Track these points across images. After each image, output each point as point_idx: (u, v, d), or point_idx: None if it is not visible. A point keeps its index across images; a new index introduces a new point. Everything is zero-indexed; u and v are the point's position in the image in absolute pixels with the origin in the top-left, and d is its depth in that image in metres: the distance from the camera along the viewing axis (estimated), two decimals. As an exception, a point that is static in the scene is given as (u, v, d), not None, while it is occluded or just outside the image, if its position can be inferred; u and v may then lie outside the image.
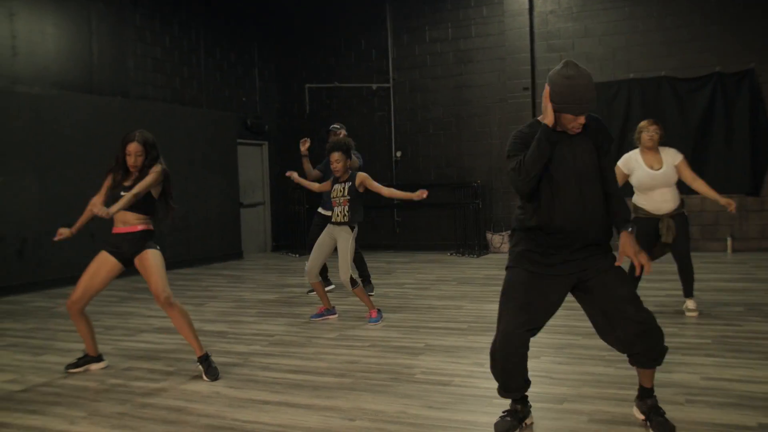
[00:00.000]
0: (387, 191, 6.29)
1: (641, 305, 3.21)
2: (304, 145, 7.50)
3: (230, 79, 12.96)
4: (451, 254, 11.99)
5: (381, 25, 13.23)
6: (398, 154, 13.09)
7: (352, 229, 6.29)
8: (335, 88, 13.47)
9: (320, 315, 6.54)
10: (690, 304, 6.14)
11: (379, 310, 6.42)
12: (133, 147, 4.62)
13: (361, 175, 6.29)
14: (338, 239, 6.28)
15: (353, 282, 6.22)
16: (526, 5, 12.00)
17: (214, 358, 4.82)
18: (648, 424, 3.41)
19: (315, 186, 6.80)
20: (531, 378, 3.47)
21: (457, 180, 12.63)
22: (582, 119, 3.17)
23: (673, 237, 5.99)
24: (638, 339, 3.20)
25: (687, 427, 3.40)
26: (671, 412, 3.52)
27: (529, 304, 3.27)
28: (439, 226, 12.78)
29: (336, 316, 6.59)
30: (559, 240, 3.27)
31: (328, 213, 6.99)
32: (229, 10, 12.93)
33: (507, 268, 3.42)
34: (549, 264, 3.29)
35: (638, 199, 6.16)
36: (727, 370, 4.38)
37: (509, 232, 11.91)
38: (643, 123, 6.18)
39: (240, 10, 13.18)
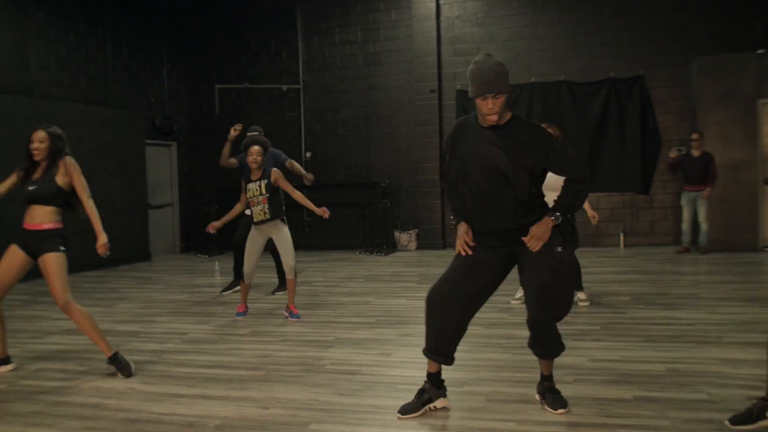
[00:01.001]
0: (296, 195, 6.45)
1: (546, 305, 3.48)
2: (235, 132, 7.52)
3: (138, 79, 12.80)
4: (360, 253, 12.25)
5: (291, 27, 13.35)
6: (308, 154, 13.25)
7: (283, 221, 6.45)
8: (245, 88, 13.51)
9: (243, 313, 6.66)
10: (581, 295, 6.59)
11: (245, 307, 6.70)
12: (36, 135, 4.65)
13: (276, 172, 6.42)
14: (273, 234, 6.43)
15: (295, 272, 6.46)
16: (434, 10, 12.39)
17: (128, 357, 4.87)
18: (543, 401, 3.75)
19: (238, 209, 6.76)
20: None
21: (366, 180, 12.90)
22: (492, 108, 3.41)
23: None
24: (532, 332, 3.58)
25: (574, 402, 3.75)
26: (561, 391, 3.87)
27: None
28: (348, 225, 13.01)
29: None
30: (474, 225, 3.64)
31: (248, 212, 6.99)
32: (137, 9, 12.77)
33: None
34: (480, 243, 3.63)
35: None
36: (611, 353, 4.80)
37: (416, 230, 12.28)
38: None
39: (148, 9, 13.03)
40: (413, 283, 8.50)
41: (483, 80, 3.40)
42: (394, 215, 12.80)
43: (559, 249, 3.49)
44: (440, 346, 3.67)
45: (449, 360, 3.72)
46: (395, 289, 8.07)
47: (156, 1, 13.19)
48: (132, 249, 12.01)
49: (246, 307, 6.69)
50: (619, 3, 11.66)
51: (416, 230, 12.60)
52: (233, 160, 7.86)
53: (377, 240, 12.40)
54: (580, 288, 6.61)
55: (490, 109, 3.44)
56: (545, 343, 3.62)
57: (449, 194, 3.72)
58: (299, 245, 13.39)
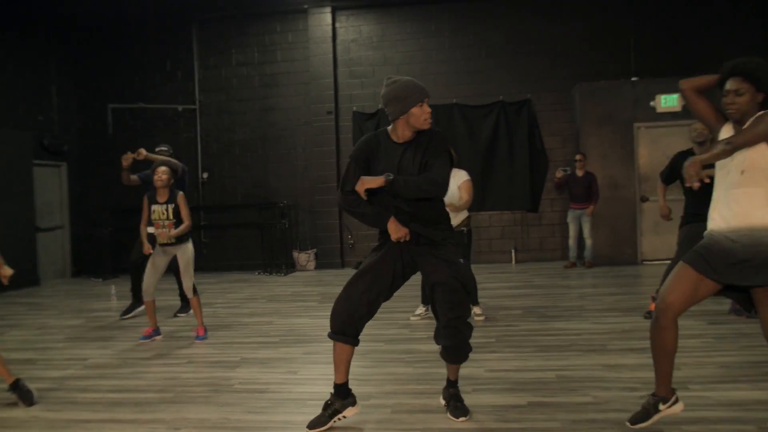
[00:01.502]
0: (185, 225, 6.39)
1: (455, 303, 3.71)
2: (127, 161, 7.48)
3: (25, 96, 12.36)
4: (259, 273, 12.25)
5: (187, 47, 13.27)
6: (205, 175, 13.16)
7: (188, 240, 6.45)
8: (140, 108, 13.28)
9: (148, 337, 6.53)
10: (477, 310, 6.92)
11: (205, 328, 6.60)
12: None
13: (181, 196, 6.43)
14: (177, 253, 6.42)
15: (195, 290, 6.41)
16: (330, 33, 12.64)
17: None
18: (447, 408, 3.98)
19: (144, 225, 6.73)
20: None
21: (264, 200, 12.93)
22: (429, 111, 3.71)
23: None
24: (447, 336, 3.78)
25: (475, 410, 4.00)
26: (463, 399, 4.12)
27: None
28: (247, 246, 12.99)
29: (161, 336, 6.64)
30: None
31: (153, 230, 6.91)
32: (23, 25, 12.35)
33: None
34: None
35: None
36: (506, 363, 5.11)
37: (314, 250, 12.41)
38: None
39: (36, 23, 12.63)
40: (314, 302, 8.63)
41: (416, 88, 3.70)
42: (292, 235, 12.88)
43: (462, 261, 3.75)
44: (347, 327, 3.76)
45: (356, 341, 3.82)
46: (297, 308, 8.17)
47: (45, 15, 12.79)
48: (19, 274, 11.47)
49: (155, 329, 6.58)
50: (507, 31, 12.28)
51: (315, 250, 12.72)
52: (134, 177, 7.81)
53: (276, 260, 12.44)
54: (476, 303, 6.94)
55: (429, 113, 3.73)
56: (460, 345, 3.82)
57: (352, 202, 3.78)
58: (197, 266, 13.27)
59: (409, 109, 3.70)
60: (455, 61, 12.46)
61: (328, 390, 4.44)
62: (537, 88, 12.16)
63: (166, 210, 6.35)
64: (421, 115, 3.71)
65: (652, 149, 11.23)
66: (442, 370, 4.89)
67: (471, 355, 5.11)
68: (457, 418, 3.87)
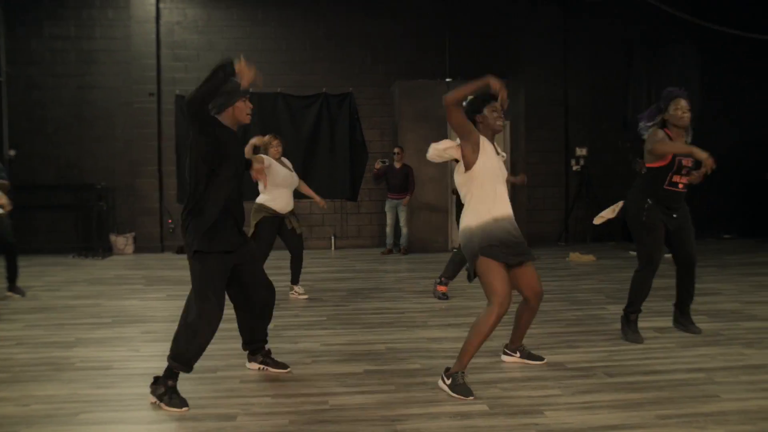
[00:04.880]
0: None
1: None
2: None
3: None
4: (74, 257, 11.79)
5: (-7, 15, 12.43)
6: (12, 152, 12.42)
7: None
8: (-64, 77, 12.26)
9: None
10: (298, 289, 7.44)
11: None
12: None
13: None
14: None
15: None
16: (153, 14, 12.40)
17: None
18: (266, 367, 4.57)
19: None
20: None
21: (79, 181, 12.46)
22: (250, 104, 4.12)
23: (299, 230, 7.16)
24: None
25: (315, 378, 4.40)
26: (301, 370, 4.56)
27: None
28: (60, 228, 12.46)
29: None
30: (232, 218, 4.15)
31: None
32: None
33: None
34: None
35: (266, 199, 7.05)
36: (339, 338, 5.56)
37: (133, 233, 12.16)
38: (267, 138, 7.19)
39: None
40: (140, 285, 8.58)
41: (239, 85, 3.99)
42: (110, 218, 12.53)
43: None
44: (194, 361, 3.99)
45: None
46: (123, 291, 8.11)
47: None
48: None
49: None
50: (331, 25, 12.74)
51: (133, 233, 12.48)
52: None
53: (92, 244, 12.06)
54: (296, 282, 7.42)
55: (251, 108, 4.15)
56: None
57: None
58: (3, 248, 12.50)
59: (235, 101, 4.04)
60: (281, 51, 12.72)
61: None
62: (358, 82, 12.73)
63: None
64: (244, 109, 4.11)
65: (462, 145, 12.17)
66: (280, 345, 5.26)
67: (305, 332, 5.59)
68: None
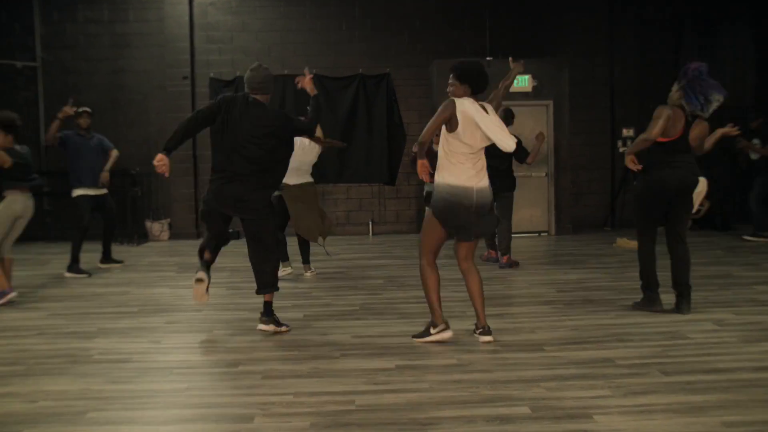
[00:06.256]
0: None
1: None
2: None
3: None
4: (110, 243, 11.67)
5: (26, -2, 12.31)
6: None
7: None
8: (-28, 63, 12.22)
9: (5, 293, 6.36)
10: (287, 269, 7.63)
11: (11, 288, 6.47)
12: None
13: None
14: None
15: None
16: (186, -5, 12.17)
17: None
18: (282, 329, 5.05)
19: None
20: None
21: (115, 167, 12.29)
22: None
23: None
24: None
25: (342, 374, 4.08)
26: (327, 365, 4.26)
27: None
28: (94, 214, 12.31)
29: (15, 294, 6.43)
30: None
31: None
32: None
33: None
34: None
35: None
36: (371, 329, 5.23)
37: (168, 219, 12.00)
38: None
39: None
40: (172, 272, 8.38)
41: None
42: (145, 204, 12.38)
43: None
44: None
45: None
46: (154, 278, 7.91)
47: None
48: None
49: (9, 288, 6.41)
50: (367, 4, 12.34)
51: (168, 220, 12.32)
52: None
53: (128, 230, 11.92)
54: (285, 259, 7.57)
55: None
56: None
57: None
58: (40, 236, 12.49)
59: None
60: (315, 32, 12.37)
61: (194, 358, 4.44)
62: (396, 62, 12.33)
63: None
64: None
65: (504, 127, 11.73)
66: (308, 337, 4.97)
67: (336, 323, 5.29)
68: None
